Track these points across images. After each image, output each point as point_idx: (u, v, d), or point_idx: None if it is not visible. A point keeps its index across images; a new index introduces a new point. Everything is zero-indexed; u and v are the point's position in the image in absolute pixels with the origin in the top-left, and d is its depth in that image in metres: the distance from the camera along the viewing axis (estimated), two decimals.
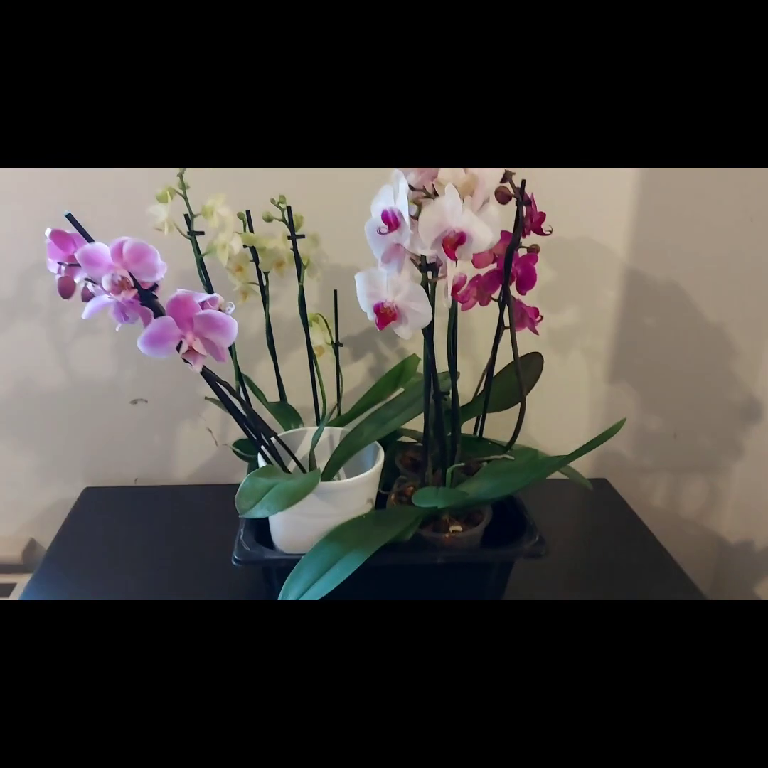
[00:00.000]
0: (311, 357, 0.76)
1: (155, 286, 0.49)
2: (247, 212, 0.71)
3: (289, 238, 0.70)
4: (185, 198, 0.67)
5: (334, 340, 0.78)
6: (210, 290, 0.71)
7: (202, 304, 0.51)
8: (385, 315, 0.57)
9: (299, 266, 0.71)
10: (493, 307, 0.67)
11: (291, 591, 0.59)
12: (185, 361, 0.50)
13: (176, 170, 0.67)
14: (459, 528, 0.68)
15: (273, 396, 0.82)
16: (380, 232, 0.53)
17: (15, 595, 0.91)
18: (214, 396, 0.59)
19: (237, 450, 0.76)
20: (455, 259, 0.54)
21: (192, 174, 0.67)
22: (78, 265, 0.46)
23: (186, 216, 0.67)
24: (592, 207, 0.88)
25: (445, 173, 0.56)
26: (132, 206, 0.81)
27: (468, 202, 0.56)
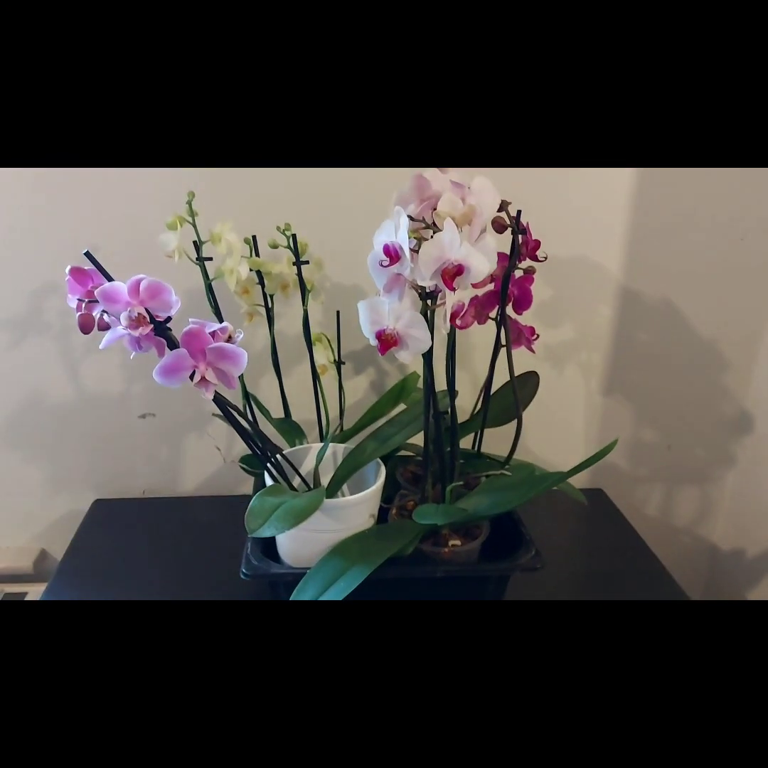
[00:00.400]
0: (315, 376, 0.79)
1: (169, 318, 0.51)
2: (254, 237, 0.74)
3: (294, 264, 0.72)
4: (194, 225, 0.69)
5: (337, 359, 0.80)
6: (218, 313, 0.74)
7: (213, 334, 0.53)
8: (387, 341, 0.59)
9: (304, 291, 0.74)
10: (492, 324, 0.70)
11: None
12: (198, 388, 0.52)
13: (186, 197, 0.69)
14: (458, 542, 0.70)
15: (277, 411, 0.85)
16: (382, 265, 0.56)
17: None
18: (221, 413, 0.62)
19: (244, 466, 0.79)
20: (454, 290, 0.57)
21: (199, 201, 0.70)
22: (96, 301, 0.49)
23: (195, 243, 0.70)
24: (588, 227, 0.90)
25: (443, 205, 0.59)
26: (140, 227, 0.84)
27: (466, 233, 0.58)
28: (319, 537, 0.67)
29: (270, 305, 0.77)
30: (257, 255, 0.74)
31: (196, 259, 0.70)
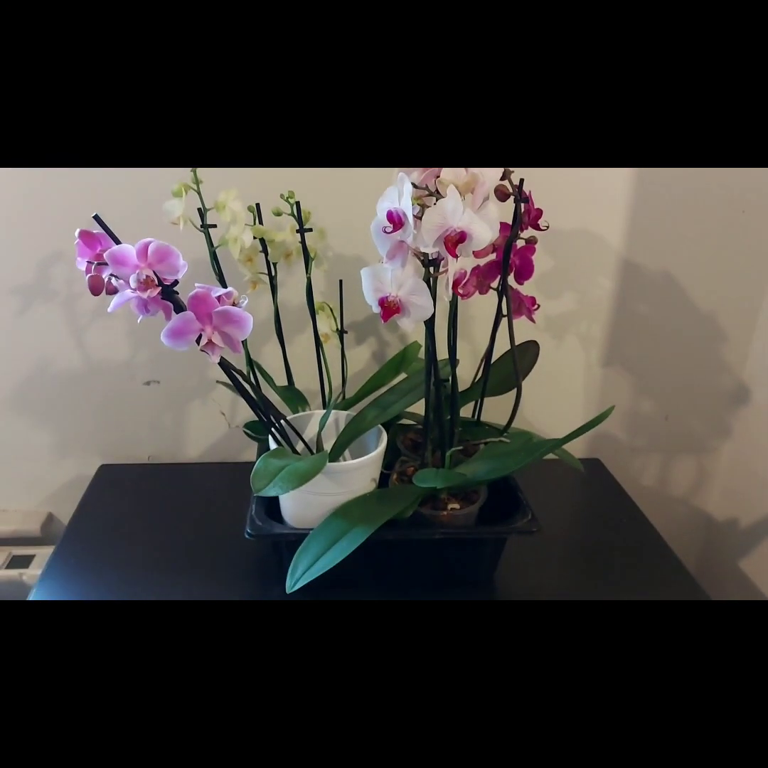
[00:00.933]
0: (318, 344, 0.80)
1: (176, 282, 0.52)
2: (257, 205, 0.74)
3: (297, 232, 0.73)
4: (199, 193, 0.70)
5: (340, 328, 0.81)
6: (222, 281, 0.75)
7: (219, 298, 0.55)
8: (390, 308, 0.60)
9: (307, 259, 0.75)
10: (493, 294, 0.71)
11: (300, 563, 0.64)
12: (204, 352, 0.53)
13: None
14: (456, 506, 0.72)
15: (280, 378, 0.86)
16: (385, 231, 0.57)
17: (35, 566, 0.96)
18: (226, 379, 0.63)
19: (248, 431, 0.80)
20: (456, 257, 0.57)
21: (204, 169, 0.70)
22: (105, 264, 0.50)
23: (199, 210, 0.70)
24: (589, 199, 0.90)
25: (446, 173, 0.59)
26: (145, 196, 0.84)
27: (468, 201, 0.59)
28: (322, 499, 0.68)
29: (273, 273, 0.78)
30: (261, 223, 0.75)
31: (201, 226, 0.71)
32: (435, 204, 0.57)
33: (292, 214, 0.72)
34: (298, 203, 0.72)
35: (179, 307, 0.53)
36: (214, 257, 0.73)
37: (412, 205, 0.56)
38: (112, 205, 0.84)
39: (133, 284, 0.48)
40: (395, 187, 0.56)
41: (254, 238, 0.73)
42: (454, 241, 0.56)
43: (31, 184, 0.84)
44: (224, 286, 0.75)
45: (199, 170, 0.70)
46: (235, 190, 0.70)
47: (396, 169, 0.60)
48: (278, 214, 0.72)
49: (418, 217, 0.56)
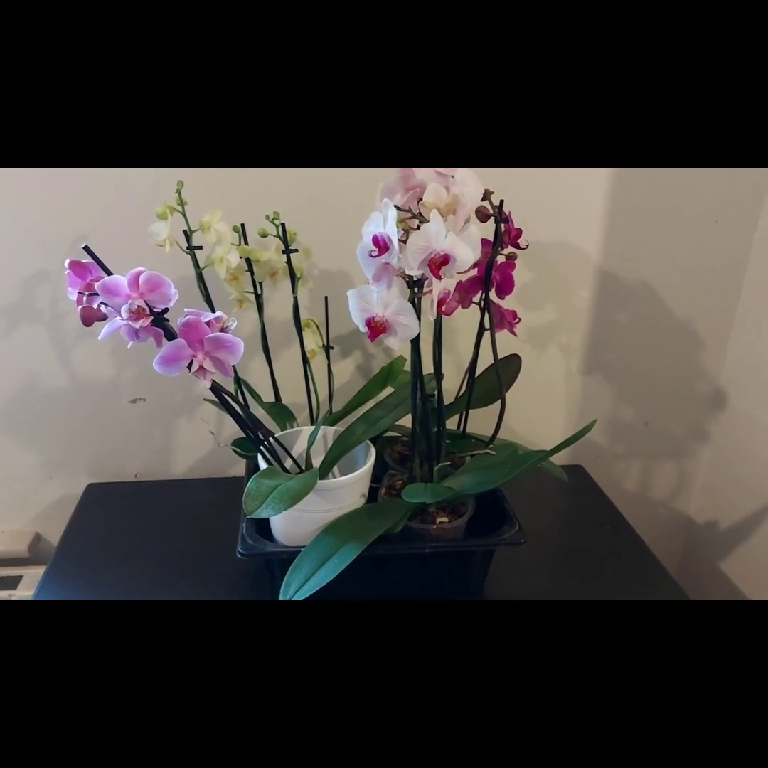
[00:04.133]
0: (305, 360, 0.81)
1: (166, 309, 0.53)
2: (242, 225, 0.75)
3: (283, 252, 0.74)
4: (184, 214, 0.71)
5: (326, 344, 0.82)
6: (209, 300, 0.75)
7: (209, 323, 0.55)
8: (376, 328, 0.62)
9: (293, 279, 0.76)
10: (475, 308, 0.72)
11: (293, 581, 0.64)
12: (196, 376, 0.54)
13: (175, 185, 0.70)
14: (445, 519, 0.73)
15: (267, 394, 0.87)
16: (371, 255, 0.58)
17: (23, 586, 0.96)
18: (212, 397, 0.64)
19: (237, 449, 0.81)
20: (440, 278, 0.59)
21: (188, 189, 0.71)
22: (96, 294, 0.50)
23: (185, 232, 0.71)
24: (567, 212, 0.92)
25: (429, 195, 0.61)
26: (128, 215, 0.84)
27: (450, 222, 0.60)
28: (312, 516, 0.69)
29: (259, 292, 0.78)
30: (246, 243, 0.75)
31: (187, 247, 0.72)
32: (418, 227, 0.58)
33: (278, 236, 0.73)
34: (283, 225, 0.73)
35: (170, 334, 0.53)
36: (200, 278, 0.74)
37: (397, 228, 0.57)
38: (95, 224, 0.85)
39: (124, 315, 0.49)
40: (380, 212, 0.57)
41: (240, 258, 0.73)
42: (438, 263, 0.58)
43: (13, 204, 0.84)
44: (211, 305, 0.76)
45: (183, 191, 0.70)
46: (220, 212, 0.71)
47: (379, 192, 0.62)
48: (264, 235, 0.73)
49: (403, 241, 0.58)
